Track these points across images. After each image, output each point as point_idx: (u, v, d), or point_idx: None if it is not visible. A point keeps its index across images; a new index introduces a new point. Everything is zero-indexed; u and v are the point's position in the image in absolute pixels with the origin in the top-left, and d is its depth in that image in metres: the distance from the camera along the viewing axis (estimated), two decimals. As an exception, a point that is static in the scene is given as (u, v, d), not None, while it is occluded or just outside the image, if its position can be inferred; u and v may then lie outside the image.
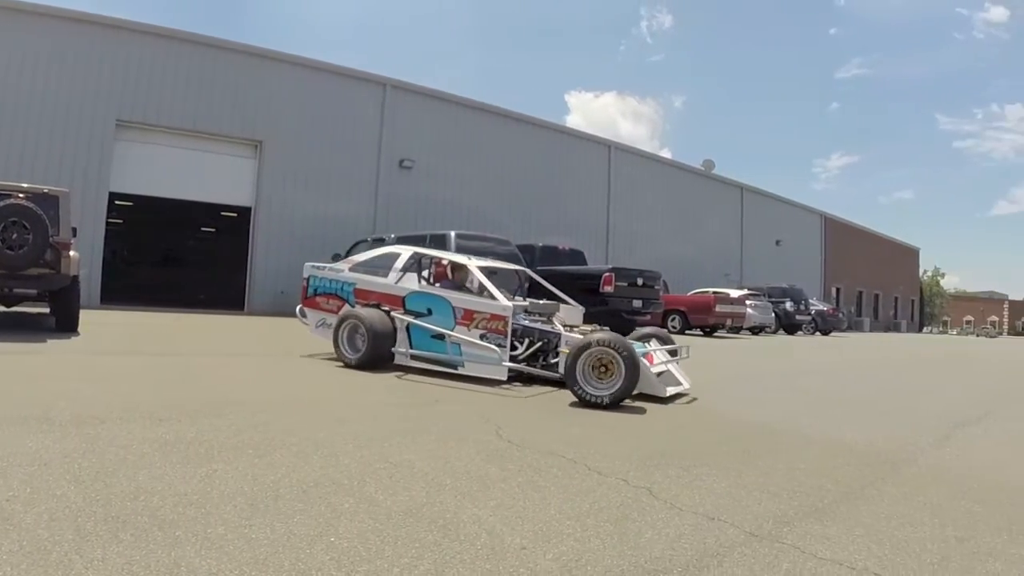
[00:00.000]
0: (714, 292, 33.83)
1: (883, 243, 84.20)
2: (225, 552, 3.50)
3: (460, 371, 11.08)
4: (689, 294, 33.62)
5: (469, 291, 12.16)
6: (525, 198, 37.55)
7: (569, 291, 21.42)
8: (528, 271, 14.00)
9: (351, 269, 12.90)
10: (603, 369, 9.16)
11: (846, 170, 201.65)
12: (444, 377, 10.89)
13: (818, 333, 43.47)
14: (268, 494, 4.47)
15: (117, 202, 28.08)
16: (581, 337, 9.98)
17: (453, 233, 18.79)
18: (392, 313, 11.80)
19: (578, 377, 9.09)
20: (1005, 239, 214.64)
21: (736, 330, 33.60)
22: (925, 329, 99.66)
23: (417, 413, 7.90)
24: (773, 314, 38.69)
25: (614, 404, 8.84)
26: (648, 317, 24.03)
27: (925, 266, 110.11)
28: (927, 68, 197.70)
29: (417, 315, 11.68)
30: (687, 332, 30.42)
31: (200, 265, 41.01)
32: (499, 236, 21.56)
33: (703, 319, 31.02)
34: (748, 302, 34.47)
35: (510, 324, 10.97)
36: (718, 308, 30.99)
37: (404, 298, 11.91)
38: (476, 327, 11.16)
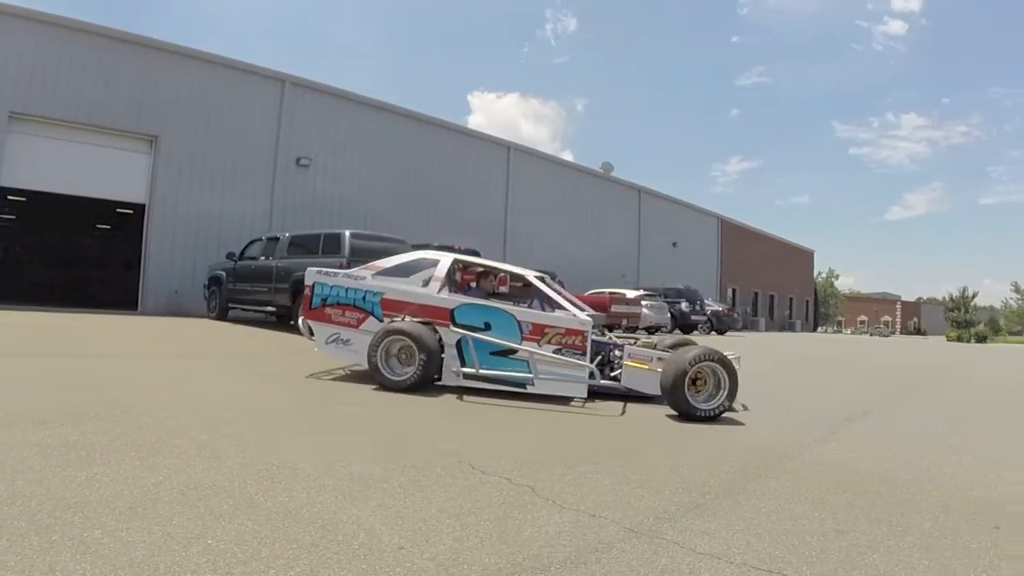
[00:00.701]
0: (610, 292, 34.05)
1: (779, 245, 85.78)
2: (101, 556, 3.43)
3: (529, 390, 10.28)
4: (585, 294, 33.52)
5: (503, 299, 11.73)
6: (424, 198, 37.36)
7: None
8: (529, 274, 11.90)
9: (375, 276, 11.22)
10: (702, 382, 9.43)
11: (745, 174, 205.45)
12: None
13: (714, 333, 44.04)
14: (148, 497, 4.38)
15: (10, 197, 27.53)
16: (648, 350, 10.53)
17: (348, 232, 18.59)
18: (437, 327, 10.59)
19: (687, 394, 9.13)
20: (898, 243, 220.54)
21: (632, 330, 33.74)
22: (819, 329, 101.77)
23: (304, 415, 7.81)
24: (669, 314, 39.12)
25: (720, 416, 9.14)
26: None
27: (820, 268, 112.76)
28: (826, 77, 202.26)
29: (471, 330, 10.55)
30: (588, 332, 30.26)
31: (97, 264, 40.22)
32: (395, 236, 21.40)
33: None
34: (644, 302, 34.77)
35: (590, 339, 10.56)
36: (614, 308, 31.15)
37: (453, 311, 10.69)
38: (549, 342, 10.49)
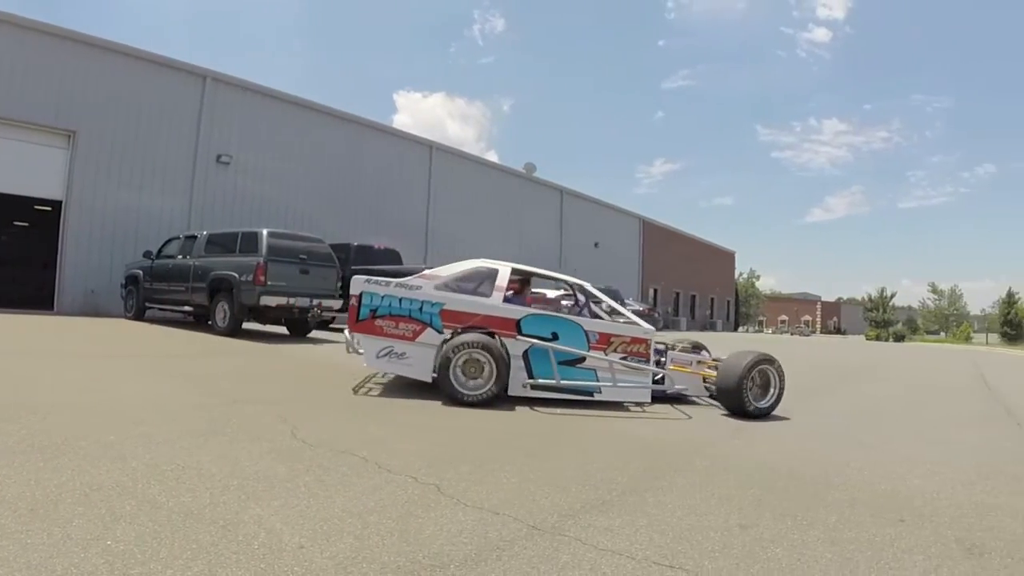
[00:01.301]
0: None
1: (700, 246, 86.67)
2: (-2, 557, 3.34)
3: (597, 397, 10.63)
4: (506, 294, 33.55)
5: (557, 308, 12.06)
6: (346, 197, 36.99)
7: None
8: (587, 285, 12.51)
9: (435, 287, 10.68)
10: (765, 385, 10.63)
11: (668, 176, 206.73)
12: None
13: (634, 333, 44.15)
14: (50, 498, 4.29)
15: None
16: (687, 355, 11.78)
17: (265, 231, 18.37)
18: (503, 338, 10.40)
19: (747, 395, 10.24)
20: (819, 244, 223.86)
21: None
22: (741, 328, 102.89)
23: (215, 415, 7.69)
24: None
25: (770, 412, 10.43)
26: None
27: (741, 268, 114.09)
28: (750, 82, 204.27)
29: (539, 340, 10.59)
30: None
31: (12, 262, 39.38)
32: (312, 235, 21.21)
33: (519, 318, 30.61)
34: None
35: (653, 346, 11.01)
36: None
37: (519, 321, 10.65)
38: (615, 351, 10.82)
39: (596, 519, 4.58)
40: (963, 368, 27.32)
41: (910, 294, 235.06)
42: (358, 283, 10.39)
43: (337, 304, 18.94)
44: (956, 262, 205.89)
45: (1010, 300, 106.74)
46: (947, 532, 4.95)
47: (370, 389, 10.20)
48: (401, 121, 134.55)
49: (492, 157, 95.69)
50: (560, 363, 10.49)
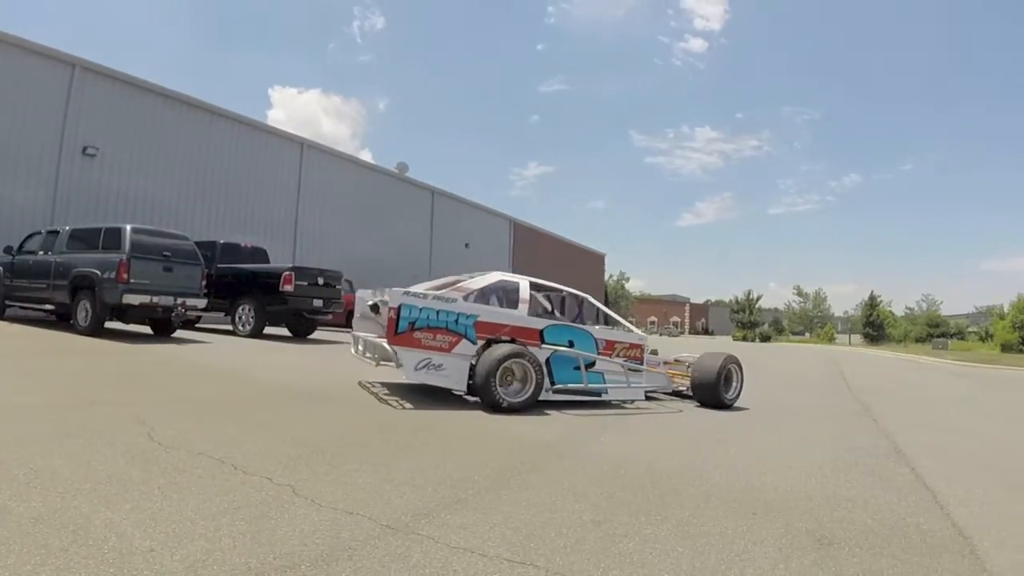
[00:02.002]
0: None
1: (571, 248, 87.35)
2: None
3: (604, 397, 11.85)
4: (375, 295, 33.33)
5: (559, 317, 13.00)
6: (216, 193, 36.17)
7: (250, 290, 21.02)
8: (589, 297, 13.93)
9: (465, 299, 11.09)
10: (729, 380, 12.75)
11: (542, 178, 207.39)
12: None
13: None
14: None
15: None
16: (654, 356, 13.34)
17: (129, 227, 17.88)
18: (529, 346, 10.91)
19: (721, 389, 12.42)
20: (688, 248, 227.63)
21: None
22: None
23: (71, 416, 7.50)
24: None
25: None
26: (329, 316, 24.13)
27: (612, 270, 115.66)
28: (626, 88, 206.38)
29: (559, 347, 11.34)
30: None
31: None
32: (178, 232, 20.76)
33: (386, 319, 30.51)
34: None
35: (647, 351, 12.53)
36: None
37: (542, 331, 11.35)
38: (618, 355, 12.06)
39: (450, 517, 4.61)
40: (825, 367, 28.14)
41: (776, 296, 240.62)
42: (396, 295, 10.33)
43: (202, 303, 18.59)
44: (821, 266, 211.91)
45: (872, 303, 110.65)
46: (799, 524, 5.12)
47: (234, 388, 10.04)
48: (275, 117, 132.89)
49: (366, 156, 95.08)
50: (575, 368, 11.40)
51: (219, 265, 21.97)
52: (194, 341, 17.93)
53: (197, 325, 23.10)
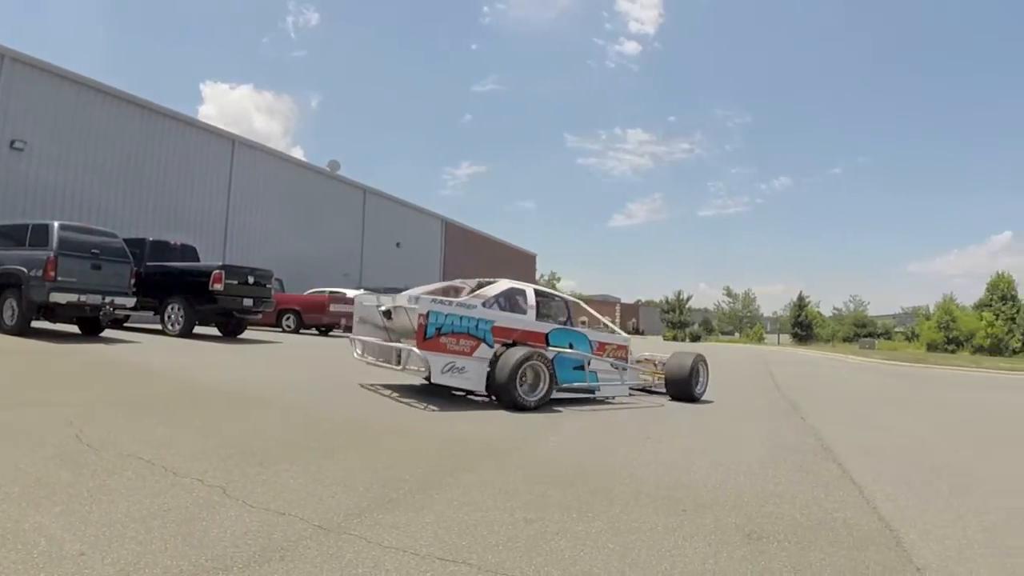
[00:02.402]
0: (330, 292, 33.74)
1: (502, 248, 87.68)
2: None
3: (596, 395, 12.97)
4: (305, 293, 33.44)
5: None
6: (146, 189, 35.52)
7: (179, 288, 20.80)
8: (581, 303, 15.54)
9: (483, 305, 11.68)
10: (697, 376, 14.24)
11: (474, 178, 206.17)
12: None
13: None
14: None
15: None
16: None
17: (56, 224, 17.56)
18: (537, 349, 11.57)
19: (694, 385, 13.99)
20: (620, 248, 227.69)
21: (351, 330, 33.57)
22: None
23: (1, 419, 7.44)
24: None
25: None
26: (259, 316, 24.09)
27: (543, 270, 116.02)
28: (560, 90, 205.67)
29: (561, 349, 12.21)
30: (302, 332, 30.52)
31: None
32: (106, 229, 20.44)
33: (317, 318, 31.05)
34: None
35: (630, 352, 13.99)
36: (332, 308, 31.01)
37: (548, 335, 12.19)
38: (607, 356, 13.27)
39: (383, 517, 4.61)
40: (754, 366, 28.44)
41: (706, 297, 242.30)
42: (425, 302, 10.77)
43: (130, 302, 18.38)
44: (751, 267, 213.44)
45: (800, 303, 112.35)
46: (728, 520, 5.20)
47: (164, 389, 9.95)
48: (207, 113, 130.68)
49: (297, 153, 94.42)
50: (575, 368, 12.40)
51: (148, 263, 21.66)
52: (123, 341, 17.72)
53: (126, 324, 22.87)
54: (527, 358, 11.02)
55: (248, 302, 21.55)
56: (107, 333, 19.08)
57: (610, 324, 15.28)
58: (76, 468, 5.30)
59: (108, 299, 17.50)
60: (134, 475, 5.19)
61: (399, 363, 11.18)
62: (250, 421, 8.13)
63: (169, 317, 21.15)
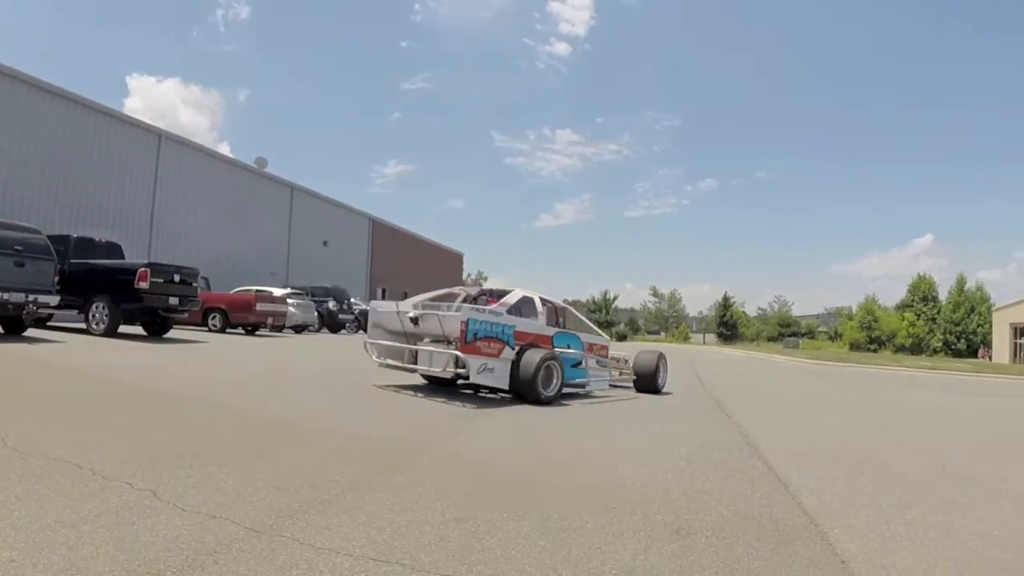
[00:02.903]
0: (256, 290, 33.48)
1: (430, 247, 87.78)
2: None
3: (586, 389, 15.06)
4: (231, 292, 33.25)
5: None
6: (69, 185, 34.81)
7: (104, 287, 20.51)
8: (570, 308, 17.24)
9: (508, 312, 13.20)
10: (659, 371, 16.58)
11: (402, 177, 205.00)
12: None
13: (361, 332, 44.29)
14: None
15: None
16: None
17: (-29, 220, 17.35)
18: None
19: (659, 379, 16.48)
20: (547, 248, 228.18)
21: (279, 328, 33.48)
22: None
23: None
24: (316, 313, 39.36)
25: None
26: (185, 315, 23.82)
27: (470, 270, 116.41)
28: (489, 89, 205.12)
29: (564, 350, 14.04)
30: (228, 331, 30.12)
31: None
32: (29, 225, 20.09)
33: (244, 317, 30.69)
34: (290, 301, 34.51)
35: (610, 351, 16.58)
36: (259, 307, 30.92)
37: (552, 337, 13.98)
38: (595, 354, 15.62)
39: (315, 518, 4.60)
40: (679, 365, 28.58)
41: (633, 297, 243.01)
42: (466, 311, 12.37)
43: (54, 300, 18.17)
44: (677, 268, 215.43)
45: (726, 303, 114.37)
46: (657, 517, 5.28)
47: (90, 390, 9.84)
48: (132, 106, 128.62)
49: (224, 149, 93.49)
50: (572, 366, 14.11)
51: (72, 261, 21.28)
52: (47, 340, 17.45)
53: (49, 324, 22.52)
54: (546, 359, 12.61)
55: (174, 301, 21.30)
56: (30, 332, 18.81)
57: (593, 327, 16.83)
58: (2, 473, 5.22)
59: (31, 297, 17.21)
60: (63, 479, 5.12)
61: (437, 364, 12.38)
62: (179, 422, 8.02)
63: (94, 316, 20.81)
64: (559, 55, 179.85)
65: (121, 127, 39.84)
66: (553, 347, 13.64)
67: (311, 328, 38.54)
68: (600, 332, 16.89)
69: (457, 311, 12.79)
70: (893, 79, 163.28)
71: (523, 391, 12.37)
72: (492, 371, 12.28)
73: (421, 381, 14.30)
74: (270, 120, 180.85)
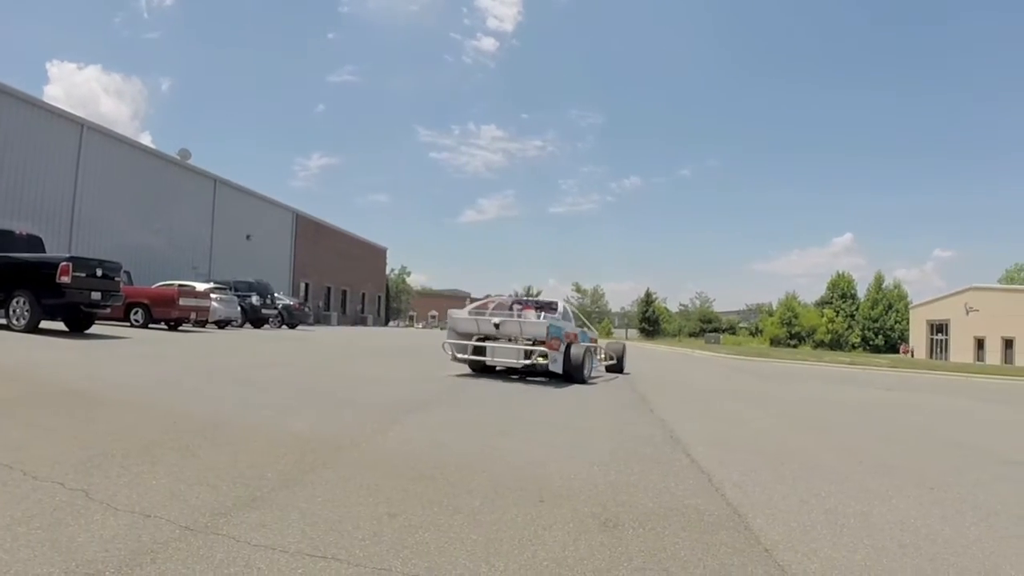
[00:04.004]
0: (179, 285, 33.07)
1: (353, 242, 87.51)
2: None
3: (592, 374, 19.39)
4: (153, 287, 32.65)
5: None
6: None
7: (24, 281, 20.14)
8: (573, 309, 22.37)
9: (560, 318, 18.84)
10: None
11: (326, 170, 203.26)
12: None
13: (285, 327, 44.11)
14: None
15: None
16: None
17: None
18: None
19: (623, 363, 22.51)
20: (470, 243, 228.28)
21: (202, 324, 33.18)
22: (392, 323, 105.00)
23: None
24: (239, 308, 39.08)
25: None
26: (108, 310, 23.41)
27: (394, 264, 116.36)
28: (415, 83, 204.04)
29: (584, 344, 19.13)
30: (151, 326, 29.61)
31: None
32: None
33: (166, 312, 30.16)
34: (213, 296, 34.18)
35: (599, 343, 22.80)
36: (182, 301, 30.37)
37: (577, 334, 19.14)
38: (595, 345, 21.35)
39: (249, 516, 4.62)
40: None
41: (556, 293, 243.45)
42: (549, 319, 18.11)
43: None
44: (600, 264, 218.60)
45: (648, 299, 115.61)
46: (585, 509, 5.38)
47: (14, 388, 9.72)
48: (52, 93, 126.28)
49: (146, 139, 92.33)
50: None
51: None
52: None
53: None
54: (585, 351, 17.99)
55: (96, 296, 20.99)
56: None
57: (588, 324, 23.30)
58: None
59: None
60: (-4, 483, 5.09)
61: (526, 357, 17.01)
62: (106, 421, 7.95)
63: (14, 311, 20.33)
64: (486, 50, 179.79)
65: (41, 116, 39.01)
66: (579, 341, 18.63)
67: (234, 323, 38.29)
68: (593, 328, 23.51)
69: (536, 319, 18.36)
70: (817, 80, 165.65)
71: (573, 374, 17.11)
72: (556, 361, 16.93)
73: (348, 376, 14.48)
74: (193, 110, 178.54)
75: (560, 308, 19.83)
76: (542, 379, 17.24)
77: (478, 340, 17.77)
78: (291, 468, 6.09)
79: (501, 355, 17.42)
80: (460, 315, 18.78)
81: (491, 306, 20.63)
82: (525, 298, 24.08)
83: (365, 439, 7.80)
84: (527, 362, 16.79)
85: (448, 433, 8.81)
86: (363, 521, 4.67)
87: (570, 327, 18.72)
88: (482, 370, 18.20)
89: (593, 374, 19.17)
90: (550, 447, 8.22)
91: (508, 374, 18.19)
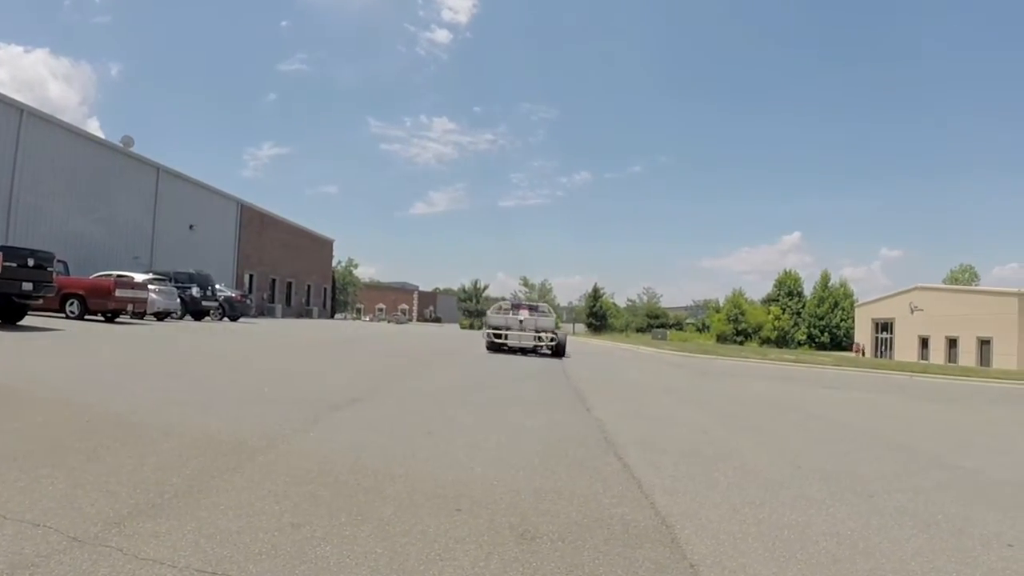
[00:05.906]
0: (117, 276, 32.69)
1: (300, 233, 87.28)
2: None
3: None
4: (90, 278, 32.21)
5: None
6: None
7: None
8: (543, 306, 32.89)
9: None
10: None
11: (276, 160, 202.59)
12: None
13: (227, 319, 43.84)
14: None
15: None
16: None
17: None
18: None
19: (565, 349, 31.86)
20: (419, 236, 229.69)
21: (140, 315, 32.87)
22: (338, 316, 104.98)
23: None
24: (179, 299, 38.71)
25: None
26: (40, 301, 23.10)
27: (341, 257, 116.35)
28: (367, 73, 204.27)
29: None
30: (87, 318, 29.31)
31: None
32: None
33: (103, 304, 29.79)
34: (151, 287, 33.81)
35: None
36: (119, 293, 30.03)
37: (556, 326, 28.20)
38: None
39: (143, 525, 4.45)
40: (543, 359, 28.85)
41: (504, 286, 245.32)
42: (552, 317, 24.06)
43: None
44: (549, 258, 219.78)
45: (595, 294, 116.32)
46: (502, 519, 5.25)
47: None
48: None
49: (94, 125, 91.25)
50: None
51: (-80, 245, 20.32)
52: None
53: None
54: (565, 337, 27.21)
55: (27, 286, 20.71)
56: None
57: (551, 311, 33.18)
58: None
59: None
60: None
61: (538, 341, 28.38)
62: (18, 419, 7.75)
63: (-57, 303, 19.84)
64: (440, 42, 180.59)
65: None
66: (556, 329, 29.33)
67: (174, 315, 37.96)
68: (553, 314, 33.16)
69: (546, 316, 29.88)
70: (765, 81, 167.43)
71: (559, 353, 27.32)
72: (553, 344, 28.03)
73: (279, 371, 14.22)
74: (142, 97, 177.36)
75: (545, 308, 32.18)
76: (483, 367, 17.78)
77: (505, 330, 29.16)
78: (199, 472, 5.92)
79: (521, 340, 28.78)
80: (496, 315, 30.68)
81: (503, 307, 32.97)
82: (522, 302, 36.02)
83: (283, 439, 7.65)
84: (538, 344, 28.75)
85: (371, 433, 8.65)
86: (263, 532, 4.51)
87: (552, 320, 30.44)
88: (494, 350, 28.86)
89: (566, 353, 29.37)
90: (477, 448, 8.06)
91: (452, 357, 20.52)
